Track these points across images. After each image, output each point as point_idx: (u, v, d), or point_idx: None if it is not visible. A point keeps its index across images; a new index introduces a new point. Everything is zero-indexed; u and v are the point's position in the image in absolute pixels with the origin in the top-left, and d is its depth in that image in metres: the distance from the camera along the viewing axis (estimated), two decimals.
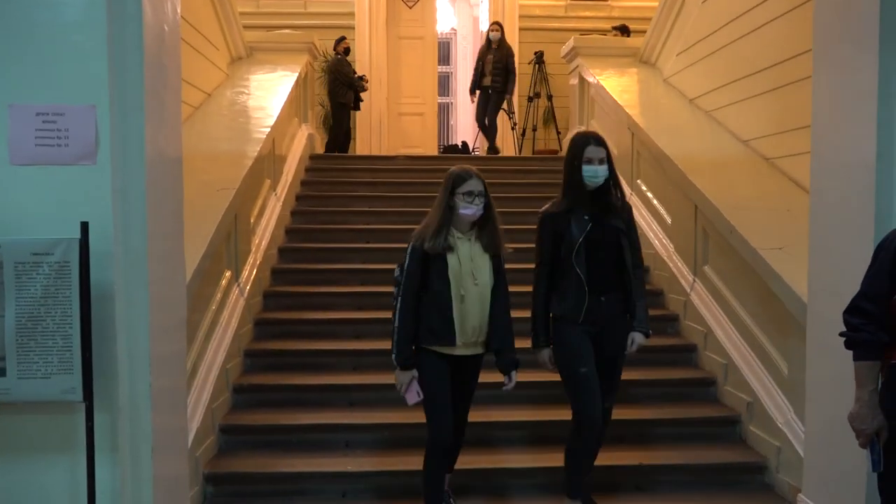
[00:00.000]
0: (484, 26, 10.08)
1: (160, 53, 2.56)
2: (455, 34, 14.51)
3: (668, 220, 4.90)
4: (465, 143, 12.29)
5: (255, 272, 4.50)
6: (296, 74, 6.33)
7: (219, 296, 3.87)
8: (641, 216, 5.36)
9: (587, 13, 9.78)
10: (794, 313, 3.16)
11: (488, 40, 8.12)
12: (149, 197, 2.43)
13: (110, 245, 2.34)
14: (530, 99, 9.02)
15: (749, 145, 4.76)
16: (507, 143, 9.26)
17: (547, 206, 3.06)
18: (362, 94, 8.61)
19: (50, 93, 2.31)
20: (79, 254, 2.23)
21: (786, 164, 4.36)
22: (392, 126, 9.56)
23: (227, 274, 4.06)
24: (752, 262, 3.55)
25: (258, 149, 4.67)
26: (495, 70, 7.94)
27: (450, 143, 11.58)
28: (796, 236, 3.61)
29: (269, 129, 5.04)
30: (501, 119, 8.91)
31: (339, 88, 8.20)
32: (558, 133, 9.05)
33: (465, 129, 14.60)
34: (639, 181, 5.51)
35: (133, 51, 2.37)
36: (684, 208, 4.57)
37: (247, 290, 4.30)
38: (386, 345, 4.25)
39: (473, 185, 2.87)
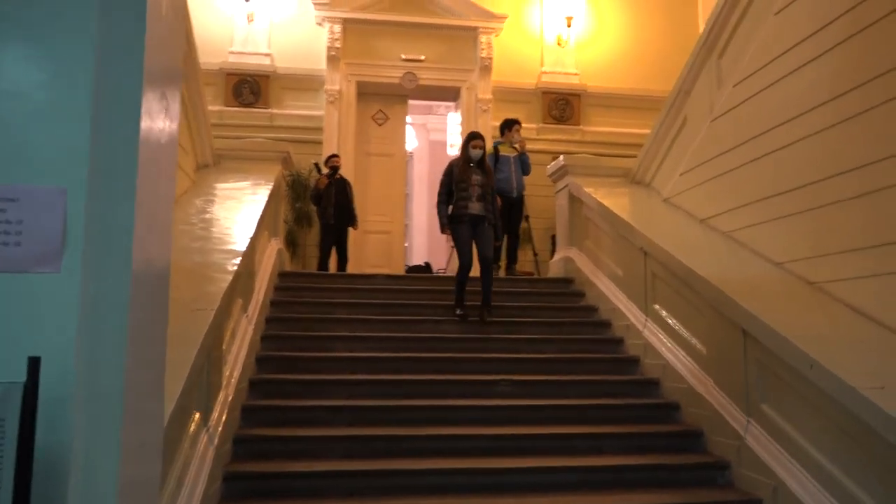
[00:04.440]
0: (456, 145, 9.84)
1: (158, 125, 1.93)
2: (412, 157, 14.52)
3: (703, 350, 4.35)
4: (427, 264, 11.88)
5: (226, 412, 3.66)
6: (271, 185, 5.75)
7: (186, 444, 3.03)
8: (661, 342, 4.84)
9: (558, 136, 9.75)
10: None
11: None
12: (131, 321, 1.72)
13: (69, 388, 1.59)
14: None
15: (784, 268, 4.35)
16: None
17: None
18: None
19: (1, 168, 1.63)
20: (20, 405, 1.47)
21: (835, 290, 3.93)
22: (358, 244, 8.98)
23: (196, 416, 3.23)
24: (846, 402, 2.99)
25: (236, 263, 3.97)
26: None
27: (412, 265, 11.12)
28: (887, 372, 3.12)
29: (248, 242, 4.36)
30: None
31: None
32: (535, 255, 8.66)
33: (420, 249, 14.27)
34: (656, 306, 5.00)
35: (127, 113, 1.73)
36: (726, 336, 4.04)
37: (217, 437, 3.45)
38: None
39: None
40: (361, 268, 8.82)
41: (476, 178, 5.73)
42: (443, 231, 5.84)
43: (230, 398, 3.80)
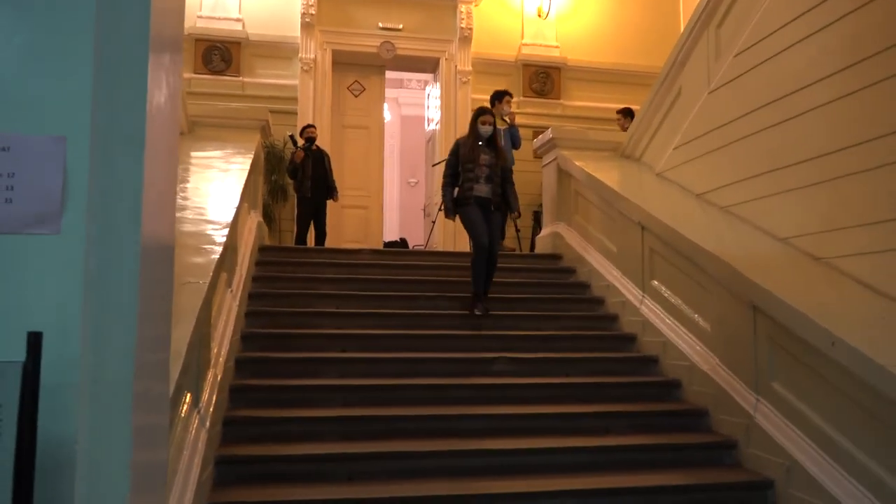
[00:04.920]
0: (434, 120, 9.57)
1: (166, 76, 1.69)
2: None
3: (707, 328, 4.25)
4: (403, 240, 11.68)
5: (216, 392, 3.43)
6: (251, 154, 5.45)
7: (179, 428, 2.80)
8: (661, 319, 4.73)
9: (538, 110, 9.56)
10: None
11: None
12: (142, 293, 1.49)
13: (75, 372, 1.36)
14: None
15: (789, 243, 4.26)
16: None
17: None
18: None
19: None
20: (20, 387, 1.25)
21: (844, 265, 3.84)
22: (335, 219, 8.70)
23: (188, 397, 2.99)
24: (873, 380, 2.89)
25: (224, 235, 3.71)
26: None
27: (387, 241, 10.90)
28: None
29: (234, 212, 4.10)
30: None
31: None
32: (517, 230, 8.50)
33: (392, 225, 14.03)
34: (654, 282, 4.89)
35: (135, 54, 1.49)
36: (734, 313, 3.94)
37: (208, 419, 3.22)
38: (399, 490, 3.19)
39: None
40: (339, 243, 8.57)
41: (484, 157, 5.23)
42: (448, 216, 5.33)
43: (219, 377, 3.56)
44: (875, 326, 3.28)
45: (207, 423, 3.19)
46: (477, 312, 5.04)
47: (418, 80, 14.53)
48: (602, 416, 4.10)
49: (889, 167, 3.56)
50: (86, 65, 1.43)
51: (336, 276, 5.57)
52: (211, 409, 3.28)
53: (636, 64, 9.71)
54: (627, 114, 7.80)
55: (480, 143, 5.28)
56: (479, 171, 5.20)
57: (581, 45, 9.76)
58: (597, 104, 9.66)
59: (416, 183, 15.07)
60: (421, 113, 14.68)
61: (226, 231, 3.76)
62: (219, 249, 3.46)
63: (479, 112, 5.40)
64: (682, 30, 9.86)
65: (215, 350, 3.67)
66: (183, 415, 2.88)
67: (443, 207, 5.37)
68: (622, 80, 9.72)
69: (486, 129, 5.29)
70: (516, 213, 5.54)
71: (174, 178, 1.86)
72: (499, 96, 7.28)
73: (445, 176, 5.37)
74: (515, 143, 7.15)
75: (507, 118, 7.16)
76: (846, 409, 3.14)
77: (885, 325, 3.29)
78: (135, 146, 1.50)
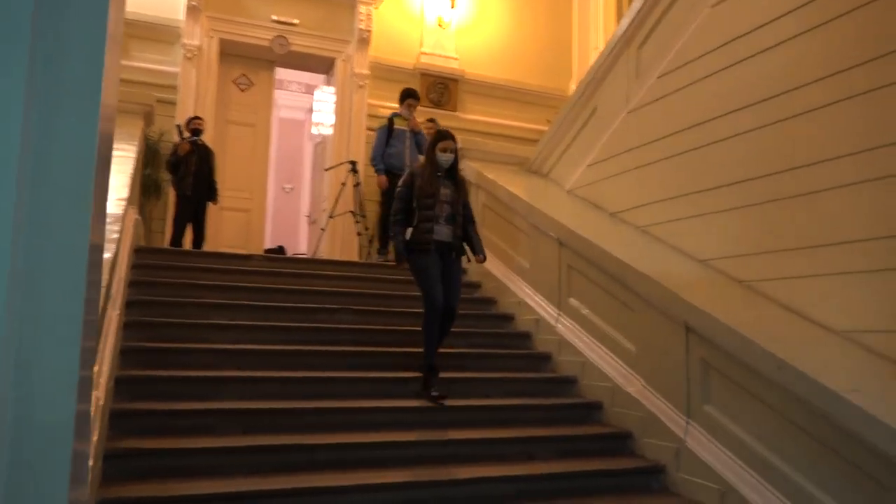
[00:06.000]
0: (327, 121, 9.10)
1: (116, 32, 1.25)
2: None
3: (632, 348, 4.17)
4: (281, 247, 11.08)
5: (98, 420, 2.84)
6: (135, 141, 4.79)
7: None
8: (579, 339, 4.61)
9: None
10: None
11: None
12: (86, 297, 1.06)
13: None
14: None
15: (710, 265, 4.28)
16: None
17: None
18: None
19: None
20: None
21: (769, 289, 3.88)
22: (212, 222, 7.98)
23: None
24: (822, 405, 2.86)
25: (117, 231, 3.13)
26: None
27: (266, 247, 10.27)
28: (848, 373, 3.06)
29: (123, 206, 3.49)
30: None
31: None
32: None
33: (266, 232, 13.27)
34: (572, 300, 4.77)
35: None
36: (663, 334, 3.87)
37: (90, 452, 2.64)
38: None
39: None
40: (216, 248, 7.86)
41: (445, 191, 4.34)
42: (398, 261, 4.36)
43: (101, 402, 2.97)
44: (811, 350, 3.29)
45: (90, 459, 2.62)
46: (434, 394, 4.07)
47: (299, 83, 13.92)
48: (524, 442, 3.88)
49: (815, 195, 3.63)
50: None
51: (226, 283, 5.00)
52: (93, 441, 2.70)
53: (530, 83, 9.80)
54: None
55: (440, 174, 4.39)
56: (439, 208, 4.31)
57: (479, 59, 9.70)
58: (492, 119, 9.64)
59: (292, 189, 14.48)
60: (299, 116, 14.05)
61: (117, 227, 3.17)
62: (112, 248, 2.89)
63: (438, 137, 4.47)
64: (573, 55, 10.18)
65: (97, 367, 3.07)
66: None
67: (393, 251, 4.51)
68: (516, 97, 9.77)
69: (446, 158, 4.38)
70: (482, 257, 4.51)
71: (109, 152, 1.40)
72: (402, 97, 6.97)
73: (396, 212, 4.39)
74: (420, 149, 6.88)
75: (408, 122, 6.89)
76: (787, 434, 3.10)
77: (819, 348, 3.32)
78: (88, 102, 1.07)
